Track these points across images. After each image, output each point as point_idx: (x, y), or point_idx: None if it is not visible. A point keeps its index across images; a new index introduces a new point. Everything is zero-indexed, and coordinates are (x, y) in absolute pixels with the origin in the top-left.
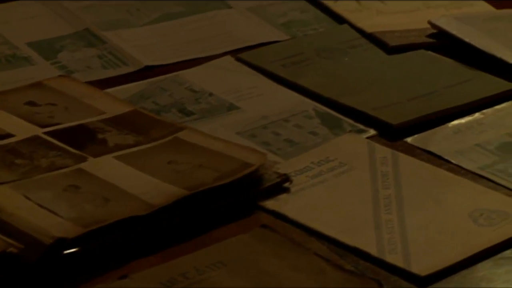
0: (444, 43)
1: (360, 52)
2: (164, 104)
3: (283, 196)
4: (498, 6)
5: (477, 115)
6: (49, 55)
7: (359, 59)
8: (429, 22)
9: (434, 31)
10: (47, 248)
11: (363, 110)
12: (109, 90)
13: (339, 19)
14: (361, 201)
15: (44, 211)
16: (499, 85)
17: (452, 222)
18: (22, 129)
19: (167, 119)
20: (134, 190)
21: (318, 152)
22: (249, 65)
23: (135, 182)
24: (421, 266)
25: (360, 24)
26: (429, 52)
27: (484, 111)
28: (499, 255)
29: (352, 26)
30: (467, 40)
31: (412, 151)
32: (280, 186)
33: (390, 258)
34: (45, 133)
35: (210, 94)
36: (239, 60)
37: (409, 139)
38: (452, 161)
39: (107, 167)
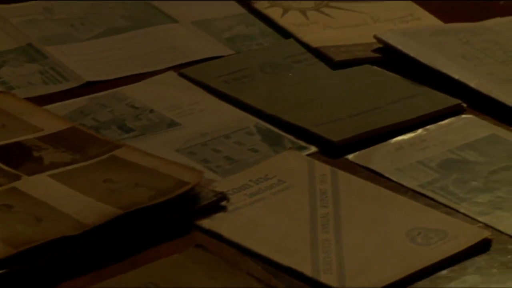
0: (390, 58)
1: (304, 67)
2: (104, 121)
3: (220, 215)
4: (446, 20)
5: (420, 131)
6: None
7: (303, 75)
8: (375, 37)
9: (381, 45)
10: None
11: (304, 126)
12: (49, 106)
13: (285, 34)
14: (298, 220)
15: None
16: (444, 100)
17: (389, 241)
18: None
19: (105, 136)
20: (68, 209)
21: (257, 169)
22: (192, 80)
23: (69, 201)
24: (356, 286)
25: (306, 38)
26: (374, 67)
27: (428, 127)
28: (436, 275)
29: (298, 40)
30: (412, 55)
31: (353, 168)
32: (217, 205)
33: (325, 278)
34: None
35: (151, 111)
36: (182, 75)
37: (350, 156)
38: (392, 178)
39: (41, 185)
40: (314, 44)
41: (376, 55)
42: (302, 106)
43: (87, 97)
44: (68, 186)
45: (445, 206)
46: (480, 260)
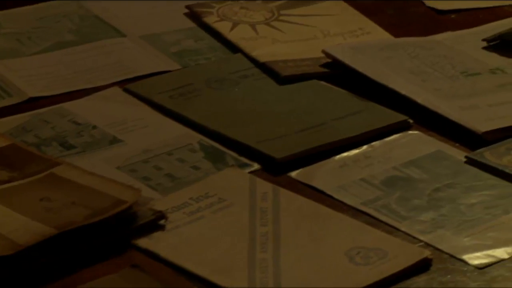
0: (338, 72)
1: (251, 82)
2: (45, 138)
3: (158, 234)
4: (397, 34)
5: (365, 148)
6: None
7: (249, 90)
8: (323, 51)
9: (329, 60)
10: None
11: (247, 143)
12: None
13: (234, 48)
14: (237, 239)
15: None
16: (390, 116)
17: (327, 260)
18: None
19: (46, 153)
20: (2, 228)
21: (198, 187)
22: (137, 96)
23: (4, 220)
24: None
25: (254, 53)
26: (322, 82)
27: (373, 143)
28: None
29: (246, 55)
30: (360, 69)
31: (295, 186)
32: (155, 224)
33: None
34: None
35: (94, 127)
36: (126, 91)
37: (293, 174)
38: (335, 196)
39: None
40: (262, 58)
41: (324, 70)
42: (246, 122)
43: (30, 113)
44: (3, 205)
45: (387, 224)
46: (420, 280)
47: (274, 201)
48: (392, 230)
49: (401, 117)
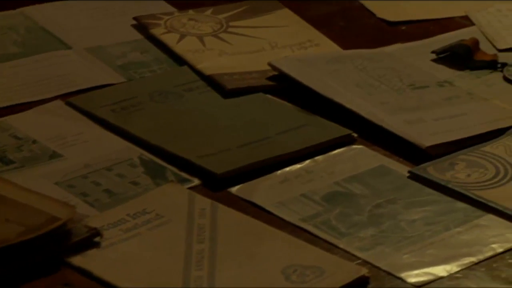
0: (284, 85)
1: (195, 95)
2: None
3: (92, 251)
4: (347, 46)
5: (308, 162)
6: None
7: (193, 103)
8: (269, 64)
9: (275, 73)
10: None
11: (188, 158)
12: None
13: (180, 60)
14: (172, 257)
15: None
16: (334, 130)
17: (263, 278)
18: None
19: None
20: None
21: (136, 203)
22: (79, 109)
23: None
24: None
25: (200, 65)
26: (267, 96)
27: (316, 158)
28: None
29: (192, 67)
30: (305, 83)
31: (236, 202)
32: (90, 241)
33: None
34: None
35: (34, 141)
36: (69, 104)
37: (233, 189)
38: (274, 212)
39: None
40: (208, 71)
41: (270, 83)
42: (189, 136)
43: None
44: None
45: (326, 241)
46: None
47: (212, 217)
48: (330, 247)
49: (345, 131)
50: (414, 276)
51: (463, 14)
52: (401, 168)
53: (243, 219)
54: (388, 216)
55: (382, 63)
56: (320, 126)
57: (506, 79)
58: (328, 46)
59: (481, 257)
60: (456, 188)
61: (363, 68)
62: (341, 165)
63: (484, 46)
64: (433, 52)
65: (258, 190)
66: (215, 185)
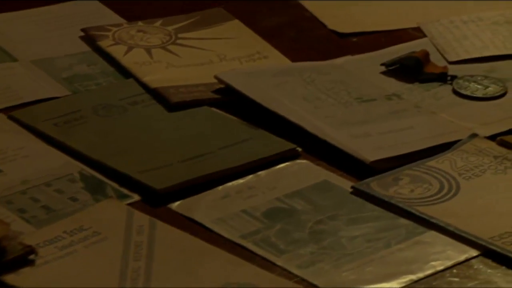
0: (230, 99)
1: (140, 109)
2: None
3: (26, 269)
4: (297, 58)
5: (250, 177)
6: None
7: (137, 117)
8: (216, 77)
9: (222, 86)
10: None
11: (128, 173)
12: None
13: (127, 73)
14: (107, 275)
15: None
16: (278, 145)
17: None
18: None
19: None
20: None
21: (73, 220)
22: (21, 123)
23: None
24: None
25: (146, 78)
26: (213, 109)
27: (259, 173)
28: None
29: (138, 80)
30: (251, 96)
31: (175, 218)
32: (24, 259)
33: None
34: None
35: None
36: (11, 118)
37: (174, 206)
38: (213, 229)
39: None
40: (153, 84)
41: (217, 96)
42: (131, 151)
43: None
44: None
45: (264, 259)
46: None
47: (150, 234)
48: (269, 264)
49: (289, 145)
50: None
51: (415, 25)
52: (345, 184)
53: (181, 236)
54: (329, 232)
55: (331, 76)
56: (264, 141)
57: (455, 92)
58: (277, 58)
59: (421, 274)
60: (399, 204)
61: (311, 81)
62: (284, 181)
63: (435, 58)
64: (382, 64)
65: (199, 206)
66: (155, 201)
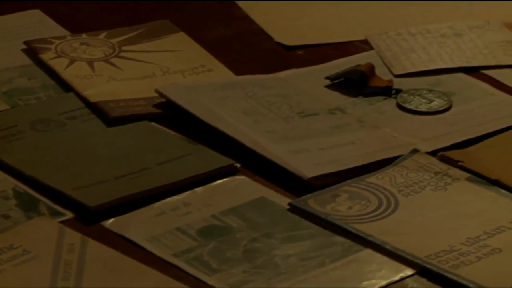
0: (171, 113)
1: (78, 124)
2: None
3: None
4: (241, 71)
5: (187, 194)
6: None
7: (76, 132)
8: (156, 91)
9: (163, 100)
10: None
11: (62, 189)
12: None
13: (68, 87)
14: None
15: None
16: (217, 160)
17: None
18: None
19: None
20: None
21: (3, 238)
22: None
23: None
24: None
25: (86, 92)
26: (152, 124)
27: (196, 189)
28: None
29: (78, 94)
30: (191, 110)
31: (108, 236)
32: None
33: None
34: None
35: None
36: None
37: (107, 223)
38: (146, 247)
39: None
40: (93, 98)
41: (157, 110)
42: (66, 167)
43: None
44: None
45: (195, 278)
46: None
47: (81, 253)
48: (200, 284)
49: (227, 161)
50: None
51: (363, 38)
52: (282, 200)
53: (113, 255)
54: (263, 251)
55: (274, 89)
56: (202, 156)
57: (399, 106)
58: (221, 72)
59: None
60: (336, 222)
61: (253, 95)
62: (221, 197)
63: (381, 72)
64: (327, 78)
65: (132, 224)
66: (88, 218)
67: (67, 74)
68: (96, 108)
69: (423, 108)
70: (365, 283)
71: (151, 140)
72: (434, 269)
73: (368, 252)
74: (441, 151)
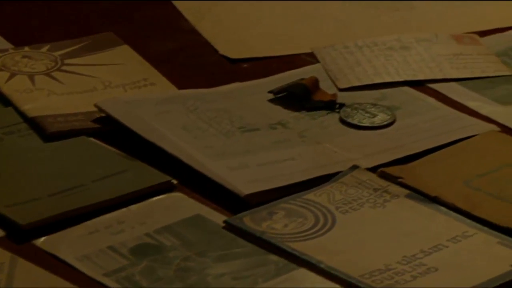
0: (110, 128)
1: (15, 139)
2: None
3: None
4: (185, 85)
5: (122, 211)
6: None
7: (12, 148)
8: (96, 105)
9: (102, 114)
10: None
11: None
12: None
13: (8, 101)
14: None
15: None
16: (154, 177)
17: None
18: None
19: None
20: None
21: None
22: None
23: None
24: None
25: (26, 107)
26: (90, 139)
27: (131, 207)
28: None
29: (17, 109)
30: (129, 125)
31: (40, 255)
32: None
33: None
34: None
35: None
36: None
37: (39, 242)
38: (76, 266)
39: None
40: (31, 113)
41: (96, 125)
42: (1, 183)
43: None
44: None
45: None
46: None
47: (10, 273)
48: None
49: (164, 177)
50: None
51: (309, 50)
52: (219, 218)
53: (42, 275)
54: (196, 270)
55: (215, 104)
56: (139, 173)
57: (342, 120)
58: (164, 85)
59: None
60: (271, 240)
61: (194, 110)
62: (156, 215)
63: (326, 85)
64: (270, 92)
65: (64, 242)
66: (20, 237)
67: (7, 88)
68: (34, 123)
69: (366, 122)
70: None
71: (88, 156)
72: None
73: (302, 272)
74: (383, 167)
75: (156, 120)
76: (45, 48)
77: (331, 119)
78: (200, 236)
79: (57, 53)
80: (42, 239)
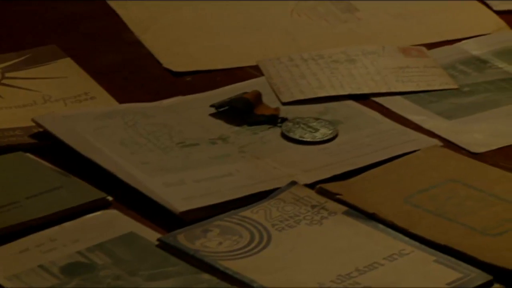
0: (48, 143)
1: None
2: None
3: None
4: (126, 99)
5: (55, 229)
6: None
7: None
8: (33, 120)
9: (40, 129)
10: None
11: None
12: None
13: None
14: None
15: None
16: (88, 193)
17: None
18: None
19: None
20: None
21: None
22: None
23: None
24: None
25: None
26: (27, 155)
27: (64, 224)
28: None
29: None
30: (66, 141)
31: None
32: None
33: None
34: None
35: None
36: None
37: None
38: (6, 286)
39: None
40: None
41: (33, 140)
42: None
43: None
44: None
45: None
46: None
47: None
48: None
49: (99, 194)
50: None
51: (254, 63)
52: (153, 236)
53: None
54: None
55: (155, 118)
56: (73, 189)
57: (283, 135)
58: (104, 99)
59: None
60: (204, 258)
61: (133, 124)
62: (89, 232)
63: (270, 99)
64: (212, 106)
65: None
66: None
67: None
68: None
69: (307, 137)
70: None
71: (23, 172)
72: None
73: None
74: (322, 183)
75: (93, 135)
76: None
77: (272, 133)
78: (132, 254)
79: None
80: None
